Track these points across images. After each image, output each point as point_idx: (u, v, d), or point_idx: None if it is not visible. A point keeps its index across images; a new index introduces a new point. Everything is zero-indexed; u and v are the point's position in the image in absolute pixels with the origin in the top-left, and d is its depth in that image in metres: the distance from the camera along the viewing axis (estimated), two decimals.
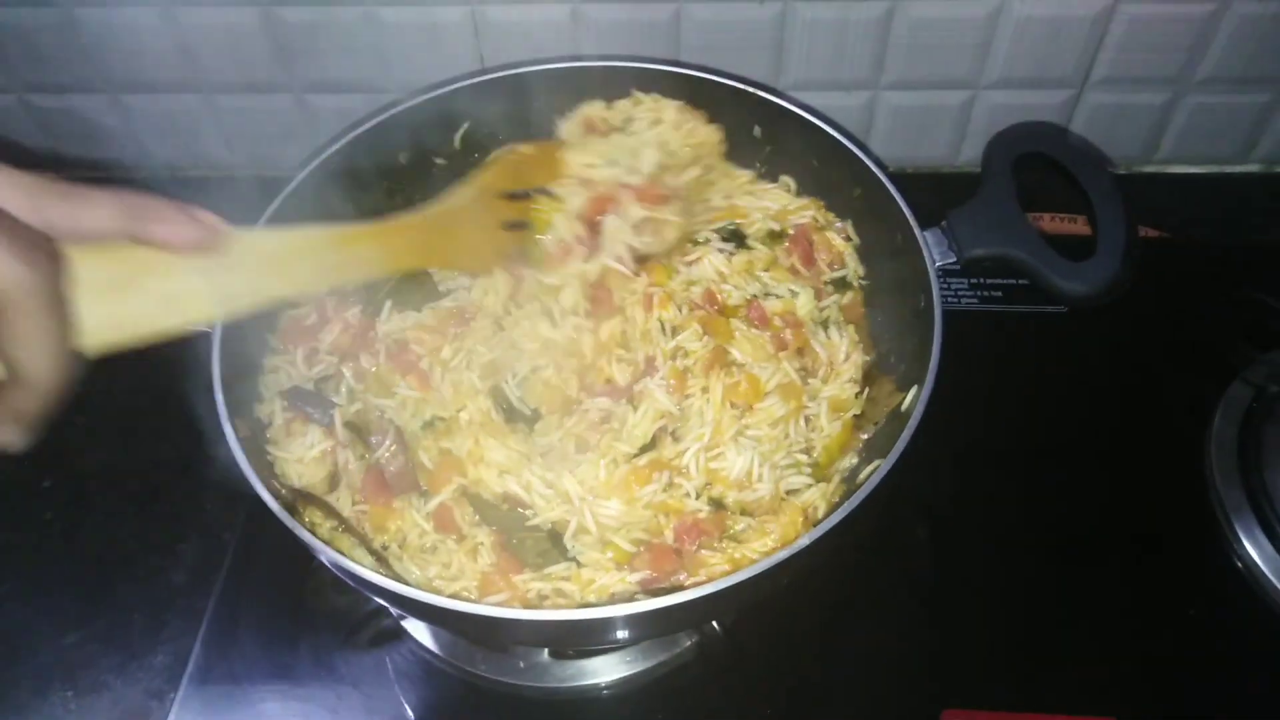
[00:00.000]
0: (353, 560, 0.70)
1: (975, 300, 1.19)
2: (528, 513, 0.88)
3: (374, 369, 0.96)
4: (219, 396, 0.78)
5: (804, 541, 0.66)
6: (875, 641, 0.93)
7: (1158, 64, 1.23)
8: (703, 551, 0.81)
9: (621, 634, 0.77)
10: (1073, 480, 1.04)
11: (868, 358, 0.97)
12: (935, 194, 0.98)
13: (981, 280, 1.20)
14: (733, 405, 0.89)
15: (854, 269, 1.04)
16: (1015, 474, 1.04)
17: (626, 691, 0.92)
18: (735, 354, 0.94)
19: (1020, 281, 1.19)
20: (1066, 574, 0.98)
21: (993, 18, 1.17)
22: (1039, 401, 1.09)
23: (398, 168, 1.09)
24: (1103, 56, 1.22)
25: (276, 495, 0.74)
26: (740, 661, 0.90)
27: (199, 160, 1.39)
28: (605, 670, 0.91)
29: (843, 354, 0.95)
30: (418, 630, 0.92)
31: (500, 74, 1.08)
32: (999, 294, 1.19)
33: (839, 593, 0.92)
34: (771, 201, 1.08)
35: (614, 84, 1.09)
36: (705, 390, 0.90)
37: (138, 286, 0.59)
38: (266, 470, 0.85)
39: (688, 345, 0.92)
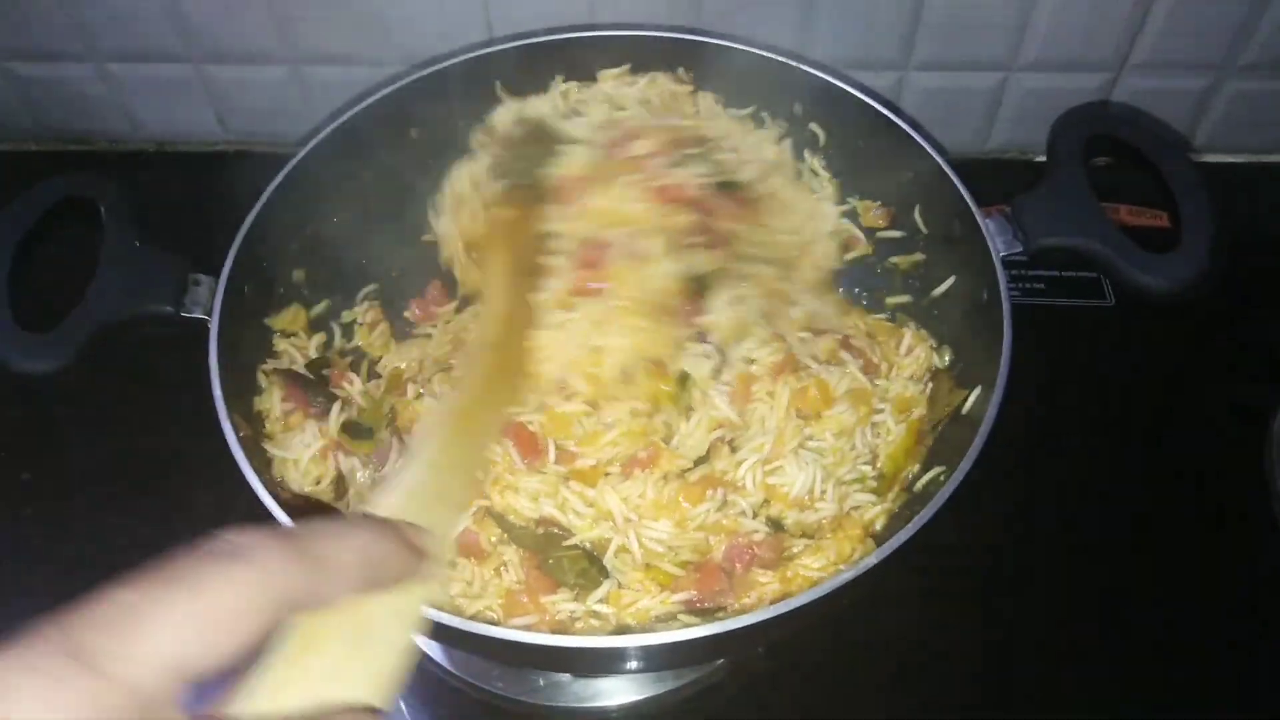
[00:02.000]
0: None
1: (1017, 293, 1.12)
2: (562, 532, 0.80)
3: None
4: (217, 391, 0.71)
5: (870, 561, 0.59)
6: (923, 663, 0.88)
7: (1199, 48, 1.17)
8: (754, 569, 0.75)
9: (654, 662, 0.71)
10: (1124, 482, 0.99)
11: (940, 363, 0.90)
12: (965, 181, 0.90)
13: (1023, 272, 1.14)
14: (799, 414, 0.82)
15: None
16: (1063, 474, 0.99)
17: (652, 713, 0.86)
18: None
19: (1063, 273, 1.14)
20: (1119, 580, 0.93)
21: None
22: (1086, 399, 1.04)
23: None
24: (1143, 39, 1.16)
25: (279, 500, 0.67)
26: (777, 684, 0.84)
27: (189, 134, 1.32)
28: (630, 690, 0.85)
29: (904, 347, 0.89)
30: (428, 645, 0.86)
31: (537, 40, 1.01)
32: (1041, 285, 1.13)
33: (885, 609, 0.87)
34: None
35: (642, 54, 1.01)
36: (771, 394, 0.82)
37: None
38: (264, 469, 0.78)
39: (755, 353, 0.84)
